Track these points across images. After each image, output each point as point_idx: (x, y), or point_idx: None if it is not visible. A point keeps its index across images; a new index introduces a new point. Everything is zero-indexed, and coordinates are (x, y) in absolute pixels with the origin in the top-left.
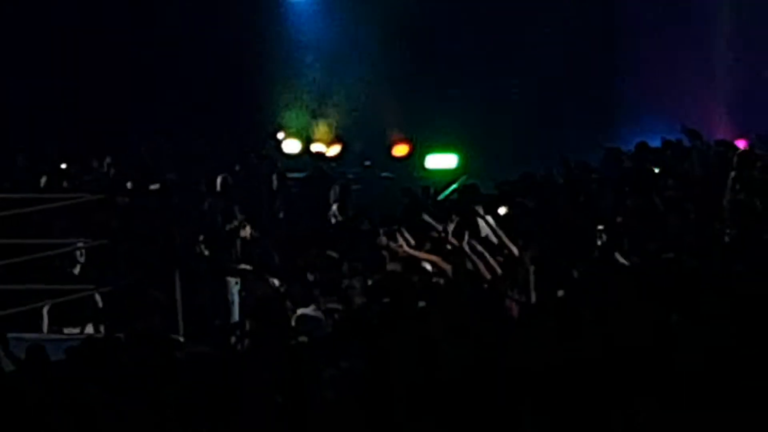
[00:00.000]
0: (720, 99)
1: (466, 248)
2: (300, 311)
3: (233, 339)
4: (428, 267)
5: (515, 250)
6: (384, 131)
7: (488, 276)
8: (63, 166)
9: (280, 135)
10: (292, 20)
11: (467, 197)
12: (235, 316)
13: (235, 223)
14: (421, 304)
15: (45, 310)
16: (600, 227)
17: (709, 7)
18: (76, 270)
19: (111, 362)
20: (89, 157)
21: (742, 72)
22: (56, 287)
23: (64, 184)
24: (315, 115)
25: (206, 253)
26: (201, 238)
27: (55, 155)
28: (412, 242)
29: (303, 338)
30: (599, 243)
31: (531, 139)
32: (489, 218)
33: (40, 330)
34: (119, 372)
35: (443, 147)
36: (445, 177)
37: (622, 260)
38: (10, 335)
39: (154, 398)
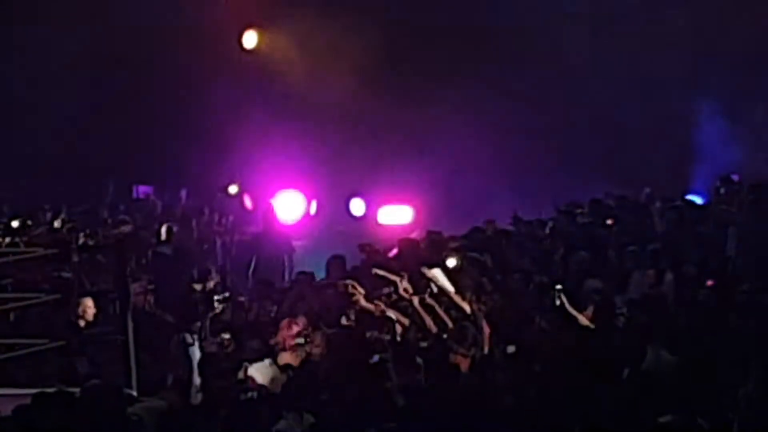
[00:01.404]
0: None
1: (416, 303)
2: (255, 366)
3: (190, 394)
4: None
5: (466, 307)
6: (341, 186)
7: (435, 330)
8: (14, 224)
9: (233, 189)
10: (246, 72)
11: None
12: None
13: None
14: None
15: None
16: (558, 287)
17: None
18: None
19: (63, 417)
20: (42, 211)
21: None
22: (8, 341)
23: (17, 239)
24: (271, 170)
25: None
26: (151, 298)
27: (5, 210)
28: (364, 295)
29: (252, 393)
30: (554, 299)
31: (485, 193)
32: (439, 273)
33: None
34: (71, 427)
35: (397, 201)
36: (399, 231)
37: (575, 314)
38: None
39: None
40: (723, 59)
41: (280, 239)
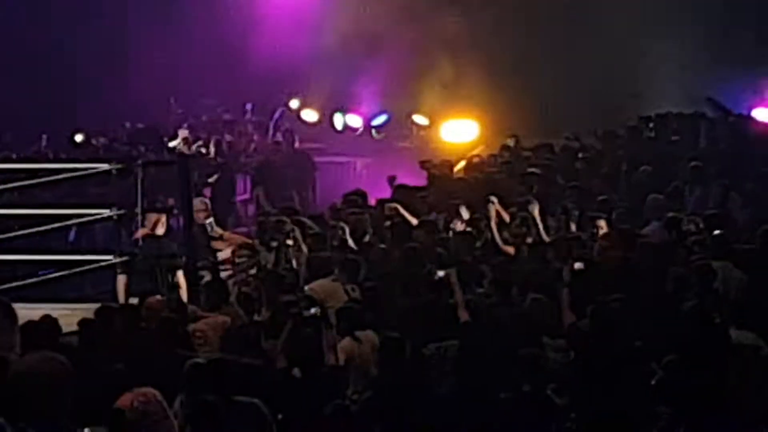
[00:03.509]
0: None
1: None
2: (316, 282)
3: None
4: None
5: (545, 237)
6: (403, 99)
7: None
8: (78, 138)
9: (294, 103)
10: None
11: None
12: None
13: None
14: None
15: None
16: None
17: None
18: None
19: (125, 332)
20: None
21: None
22: (75, 258)
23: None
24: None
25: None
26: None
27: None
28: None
29: (316, 309)
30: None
31: (553, 107)
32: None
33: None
34: (133, 342)
35: (462, 114)
36: (463, 148)
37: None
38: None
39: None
40: None
41: (298, 162)
